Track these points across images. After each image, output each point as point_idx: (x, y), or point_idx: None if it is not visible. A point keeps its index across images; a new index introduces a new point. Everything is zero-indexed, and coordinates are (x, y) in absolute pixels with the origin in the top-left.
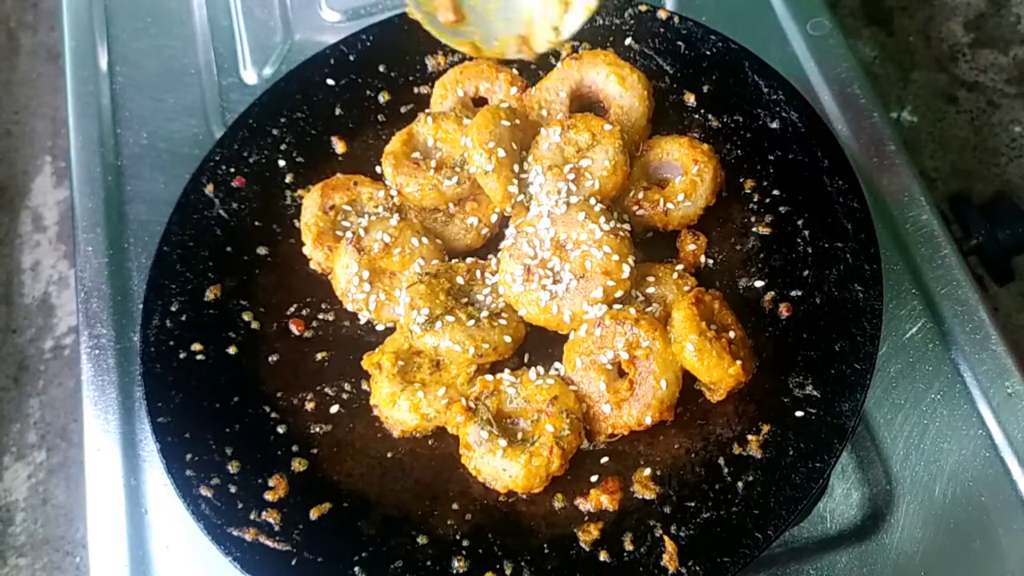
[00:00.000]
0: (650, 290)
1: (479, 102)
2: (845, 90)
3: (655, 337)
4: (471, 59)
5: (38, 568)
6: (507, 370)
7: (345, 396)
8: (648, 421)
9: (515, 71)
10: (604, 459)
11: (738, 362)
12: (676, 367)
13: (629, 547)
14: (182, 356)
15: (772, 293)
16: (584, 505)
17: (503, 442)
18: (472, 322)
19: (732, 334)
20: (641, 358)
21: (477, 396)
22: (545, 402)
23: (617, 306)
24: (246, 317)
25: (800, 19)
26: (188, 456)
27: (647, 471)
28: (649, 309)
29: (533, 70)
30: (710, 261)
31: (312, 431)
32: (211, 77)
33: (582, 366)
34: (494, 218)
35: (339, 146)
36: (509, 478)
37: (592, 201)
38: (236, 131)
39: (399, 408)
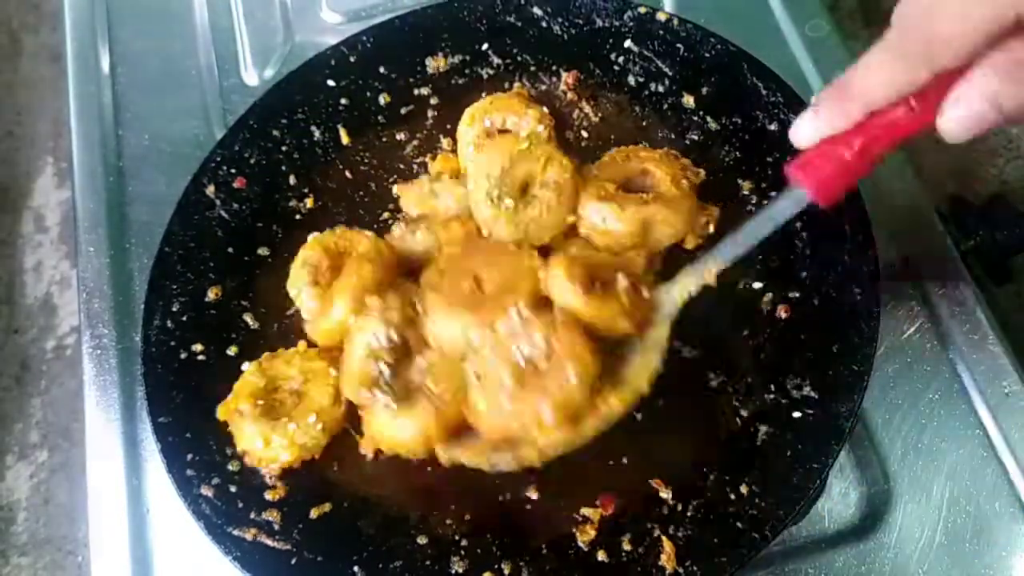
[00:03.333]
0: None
1: (504, 133)
2: None
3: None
4: (473, 67)
5: (40, 567)
6: None
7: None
8: (549, 420)
9: (544, 109)
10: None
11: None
12: (589, 365)
13: (627, 547)
14: (183, 356)
15: (770, 294)
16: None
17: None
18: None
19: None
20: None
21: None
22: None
23: None
24: (247, 318)
25: (799, 21)
26: (189, 456)
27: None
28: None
29: (564, 110)
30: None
31: None
32: (212, 78)
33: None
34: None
35: (339, 146)
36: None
37: None
38: (237, 132)
39: (275, 447)
